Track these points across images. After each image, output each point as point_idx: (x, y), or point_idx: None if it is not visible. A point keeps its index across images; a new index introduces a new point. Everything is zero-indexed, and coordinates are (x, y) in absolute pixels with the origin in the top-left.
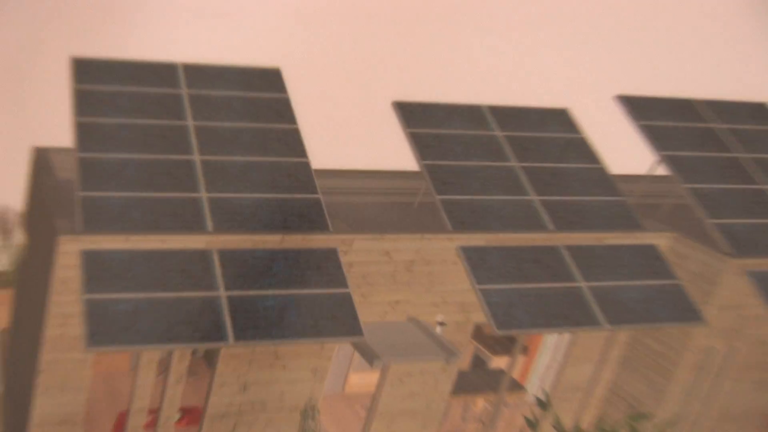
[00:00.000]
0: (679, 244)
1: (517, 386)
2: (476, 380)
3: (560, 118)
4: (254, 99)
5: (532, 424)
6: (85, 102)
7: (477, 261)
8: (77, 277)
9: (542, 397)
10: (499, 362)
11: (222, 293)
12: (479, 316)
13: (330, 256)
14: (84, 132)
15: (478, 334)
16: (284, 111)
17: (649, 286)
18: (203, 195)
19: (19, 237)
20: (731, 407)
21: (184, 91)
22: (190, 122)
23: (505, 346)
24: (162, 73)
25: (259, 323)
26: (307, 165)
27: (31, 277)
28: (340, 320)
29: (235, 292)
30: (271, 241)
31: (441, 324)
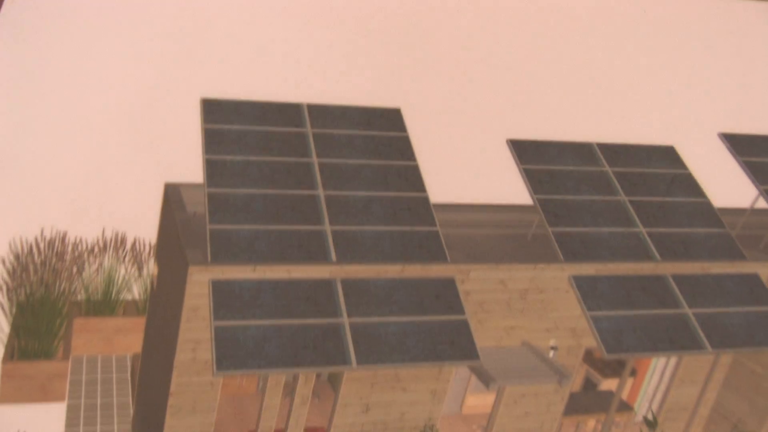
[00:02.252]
0: None
1: (625, 407)
2: (587, 401)
3: (666, 155)
4: (375, 137)
5: None
6: (213, 140)
7: (587, 289)
8: (206, 305)
9: (650, 417)
10: (608, 384)
11: (345, 320)
12: (590, 341)
13: (448, 284)
14: (213, 168)
15: (589, 357)
16: (404, 148)
17: (751, 312)
18: (327, 227)
19: (151, 268)
20: None
21: (309, 130)
22: (314, 159)
23: (615, 369)
24: (287, 112)
25: (381, 348)
26: (426, 199)
27: (162, 305)
28: (457, 345)
29: (358, 319)
30: (392, 270)
31: (553, 348)
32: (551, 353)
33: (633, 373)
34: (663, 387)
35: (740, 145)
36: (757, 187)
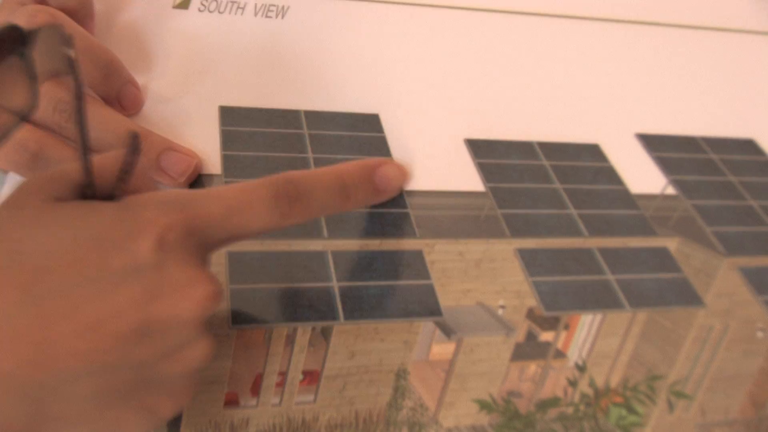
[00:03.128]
0: (685, 246)
1: (560, 354)
2: (529, 350)
3: (593, 151)
4: (359, 137)
5: (572, 383)
6: (229, 139)
7: (529, 259)
8: (222, 272)
9: (580, 363)
10: (546, 336)
11: (335, 284)
12: (531, 301)
13: (417, 255)
14: (228, 162)
15: (531, 314)
16: (381, 147)
17: (662, 278)
18: None
19: None
20: (724, 371)
21: (305, 132)
22: (310, 155)
23: (551, 323)
24: (288, 117)
25: (363, 306)
26: None
27: None
28: (424, 304)
29: (345, 283)
30: (372, 244)
31: (502, 307)
32: (500, 311)
33: (566, 327)
34: (590, 338)
35: (652, 143)
36: (666, 177)
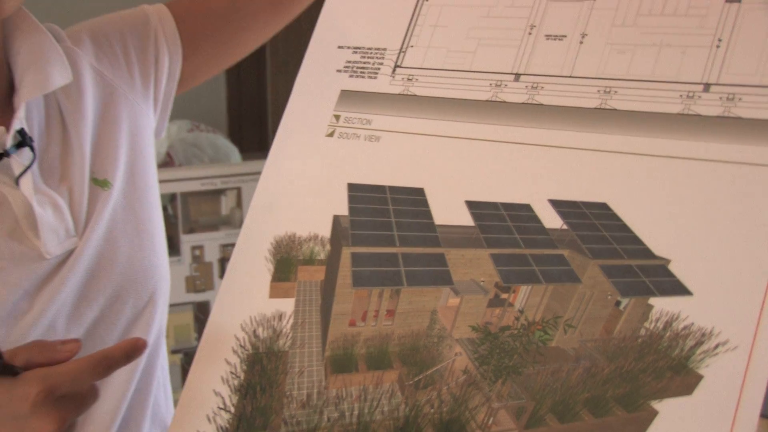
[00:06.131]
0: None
1: (510, 305)
2: (495, 302)
3: None
4: None
5: (517, 318)
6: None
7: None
8: (348, 260)
9: (521, 309)
10: (504, 295)
11: (402, 268)
12: (496, 278)
13: (440, 256)
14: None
15: (497, 285)
16: None
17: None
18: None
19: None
20: (591, 314)
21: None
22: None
23: (506, 289)
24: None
25: (416, 278)
26: None
27: (331, 264)
28: (445, 279)
29: (407, 268)
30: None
31: (482, 281)
32: (481, 283)
33: (513, 291)
34: (526, 296)
35: None
36: None
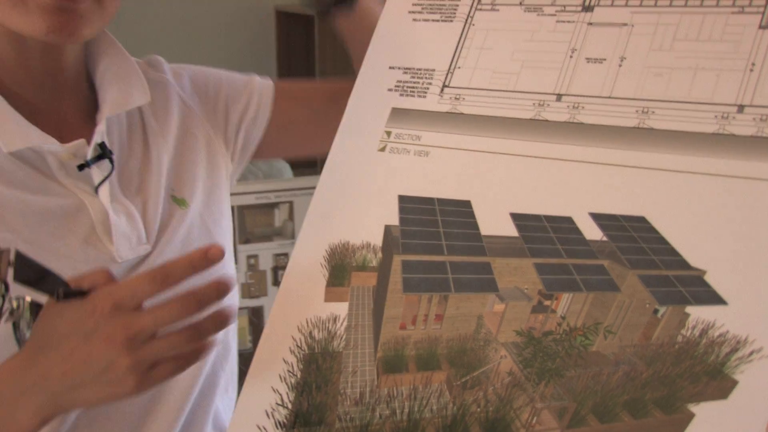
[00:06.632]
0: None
1: (553, 311)
2: (538, 308)
3: None
4: None
5: (559, 324)
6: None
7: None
8: (399, 267)
9: (563, 315)
10: (546, 302)
11: (450, 275)
12: (539, 286)
13: (486, 265)
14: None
15: (540, 292)
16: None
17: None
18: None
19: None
20: (630, 321)
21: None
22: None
23: (549, 296)
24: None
25: (463, 285)
26: None
27: (383, 270)
28: (491, 286)
29: (455, 275)
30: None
31: (525, 289)
32: (525, 290)
33: (555, 298)
34: (568, 303)
35: None
36: None
